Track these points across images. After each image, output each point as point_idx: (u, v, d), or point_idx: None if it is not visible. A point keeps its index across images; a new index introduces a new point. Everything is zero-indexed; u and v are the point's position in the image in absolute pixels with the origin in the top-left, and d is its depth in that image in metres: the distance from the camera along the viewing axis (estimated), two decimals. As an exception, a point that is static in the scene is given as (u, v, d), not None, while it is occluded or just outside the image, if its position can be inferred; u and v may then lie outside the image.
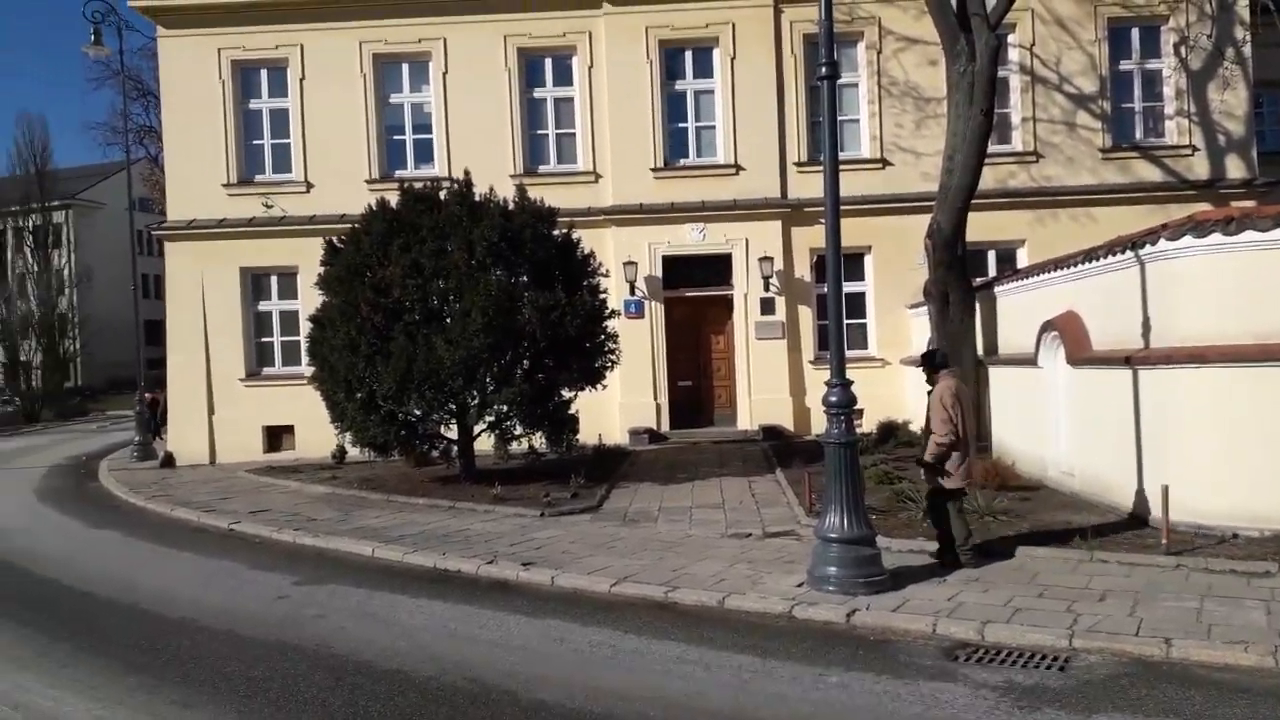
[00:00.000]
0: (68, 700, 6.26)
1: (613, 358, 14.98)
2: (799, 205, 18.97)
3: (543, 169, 19.47)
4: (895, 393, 18.07)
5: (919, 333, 17.31)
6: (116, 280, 59.56)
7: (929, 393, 8.56)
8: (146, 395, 22.98)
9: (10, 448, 31.08)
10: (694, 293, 19.38)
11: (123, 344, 56.73)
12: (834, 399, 7.94)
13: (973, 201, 14.22)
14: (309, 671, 6.67)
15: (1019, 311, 13.06)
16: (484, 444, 15.13)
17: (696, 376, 19.69)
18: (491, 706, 5.84)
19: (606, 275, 15.76)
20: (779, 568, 8.78)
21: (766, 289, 18.92)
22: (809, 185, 18.85)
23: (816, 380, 18.45)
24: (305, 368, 18.18)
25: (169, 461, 19.66)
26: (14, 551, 12.00)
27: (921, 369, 8.81)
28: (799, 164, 19.21)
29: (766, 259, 18.77)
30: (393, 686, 6.29)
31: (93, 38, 20.91)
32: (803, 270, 19.20)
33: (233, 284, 19.43)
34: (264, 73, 19.66)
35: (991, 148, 14.78)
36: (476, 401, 14.08)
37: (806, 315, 19.22)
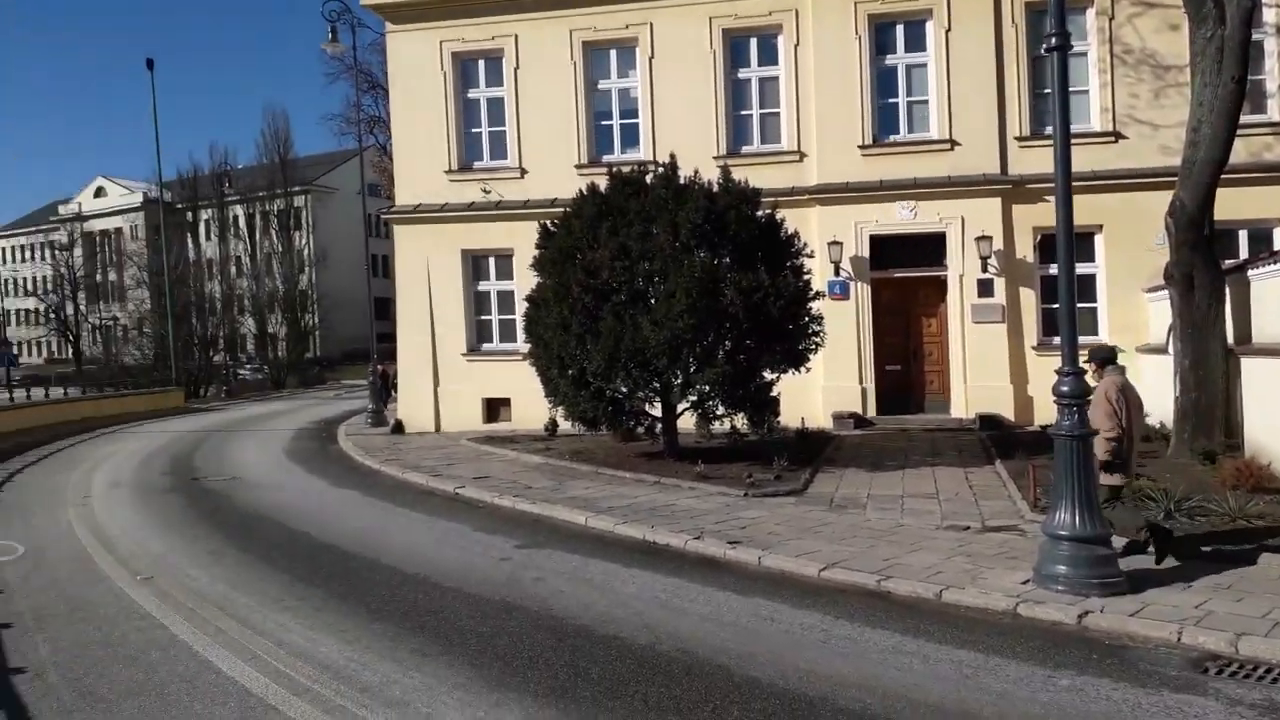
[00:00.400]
0: (323, 641, 6.93)
1: (816, 340, 14.77)
2: (1020, 181, 17.94)
3: (746, 150, 19.41)
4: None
5: (1158, 318, 15.99)
6: (349, 260, 64.81)
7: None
8: (378, 367, 24.82)
9: (262, 411, 34.53)
10: (903, 273, 18.78)
11: (355, 319, 61.59)
12: (1065, 389, 7.51)
13: (1222, 177, 12.96)
14: (532, 631, 7.07)
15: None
16: (686, 422, 15.35)
17: (905, 361, 19.10)
18: (705, 679, 5.97)
19: (811, 256, 15.53)
20: (1000, 563, 8.42)
21: (984, 269, 18.05)
22: (1031, 160, 17.77)
23: (1040, 367, 17.44)
24: (521, 345, 19.10)
25: (399, 428, 21.23)
26: (270, 505, 13.38)
27: (1090, 365, 8.24)
28: (1021, 138, 18.15)
29: (984, 238, 17.90)
30: (610, 651, 6.56)
31: (330, 35, 22.72)
32: (1025, 250, 18.17)
33: (455, 265, 20.65)
34: (481, 63, 20.66)
35: (1244, 118, 13.38)
36: (680, 381, 14.30)
37: (1029, 298, 18.18)
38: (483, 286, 21.01)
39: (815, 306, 14.74)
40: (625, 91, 20.11)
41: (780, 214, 15.04)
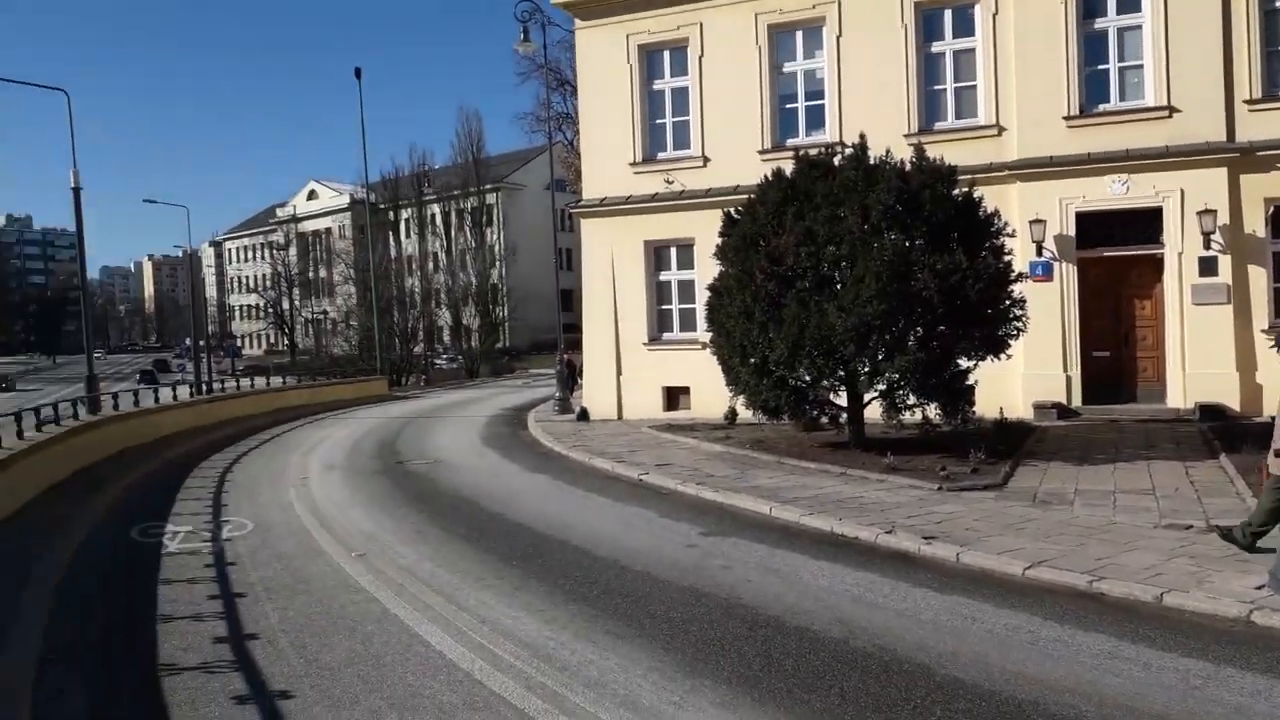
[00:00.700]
0: (523, 620, 7.19)
1: (1018, 325, 13.96)
2: (1249, 149, 16.28)
3: (939, 126, 18.57)
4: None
5: None
6: (536, 254, 67.09)
7: None
8: (564, 356, 25.56)
9: (457, 399, 36.37)
10: (1113, 252, 17.45)
11: (542, 310, 63.80)
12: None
13: None
14: (722, 619, 7.05)
15: None
16: (871, 411, 14.91)
17: (1116, 346, 17.76)
18: (904, 677, 5.76)
19: (1012, 235, 14.69)
20: (1230, 566, 7.68)
21: (1207, 246, 16.50)
22: (1262, 125, 16.11)
23: (1271, 353, 15.82)
24: (700, 333, 19.14)
25: (584, 416, 21.80)
26: (468, 487, 14.04)
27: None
28: (1251, 101, 16.45)
29: (1208, 212, 16.36)
30: (802, 643, 6.45)
31: (522, 36, 23.49)
32: (1254, 224, 16.48)
33: (638, 256, 20.94)
34: (666, 54, 20.79)
35: None
36: (867, 369, 13.88)
37: (1258, 277, 16.50)
38: (664, 276, 21.19)
39: (1016, 289, 13.94)
40: (810, 73, 19.71)
41: (978, 192, 14.30)
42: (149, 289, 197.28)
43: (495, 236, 73.25)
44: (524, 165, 74.96)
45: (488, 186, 73.08)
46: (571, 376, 27.00)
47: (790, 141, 19.15)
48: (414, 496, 13.37)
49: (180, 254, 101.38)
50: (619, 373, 21.36)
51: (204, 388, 32.86)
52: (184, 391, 29.81)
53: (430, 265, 71.74)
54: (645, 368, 21.04)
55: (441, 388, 47.15)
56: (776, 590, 7.81)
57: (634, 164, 20.86)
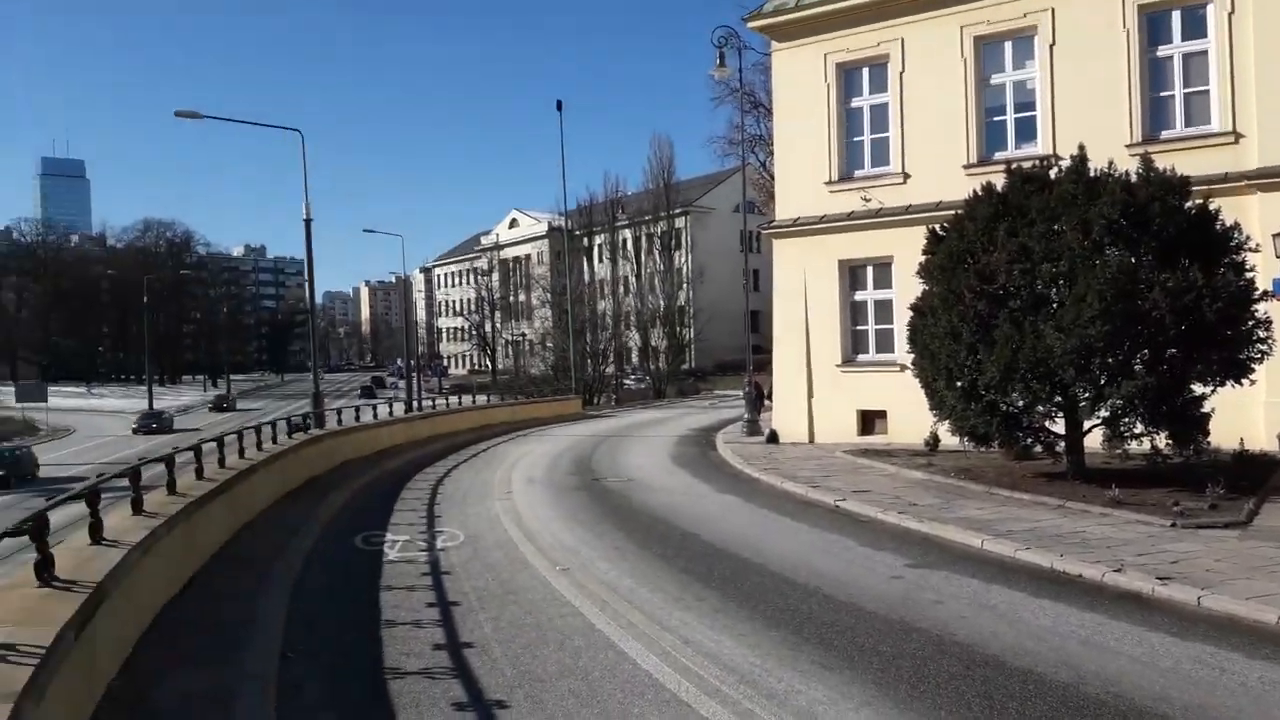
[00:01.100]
0: (725, 644, 7.13)
1: (1262, 348, 12.64)
2: None
3: (1166, 134, 17.18)
4: None
5: None
6: (723, 276, 67.43)
7: None
8: (752, 378, 25.41)
9: (646, 418, 36.91)
10: (1376, 268, 15.51)
11: (728, 331, 63.95)
12: None
13: None
14: (935, 655, 6.72)
15: None
16: (1090, 440, 13.87)
17: (1379, 373, 15.74)
18: (1147, 731, 5.28)
19: (1255, 250, 13.36)
20: None
21: None
22: None
23: None
24: (899, 355, 18.52)
25: (773, 438, 21.57)
26: (661, 506, 14.16)
27: None
28: None
29: None
30: (1026, 685, 6.04)
31: (717, 61, 23.72)
32: None
33: (831, 275, 20.56)
34: (865, 71, 20.40)
35: None
36: (1089, 394, 12.93)
37: None
38: (859, 296, 20.69)
39: (1261, 309, 12.64)
40: (1020, 84, 18.77)
41: (1213, 204, 13.11)
42: (365, 312, 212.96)
43: (683, 259, 74.16)
44: (713, 188, 75.61)
45: (677, 210, 74.20)
46: (759, 398, 26.80)
47: (998, 155, 18.26)
48: (611, 513, 13.63)
49: (394, 280, 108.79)
50: (810, 395, 21.00)
51: (415, 405, 34.98)
52: (398, 408, 31.83)
53: (621, 289, 73.57)
54: (838, 390, 20.58)
55: (630, 407, 48.03)
56: (993, 628, 7.38)
57: (829, 183, 20.54)
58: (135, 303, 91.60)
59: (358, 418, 25.30)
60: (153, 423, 57.43)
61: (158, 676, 6.52)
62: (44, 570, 5.82)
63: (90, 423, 63.52)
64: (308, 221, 25.28)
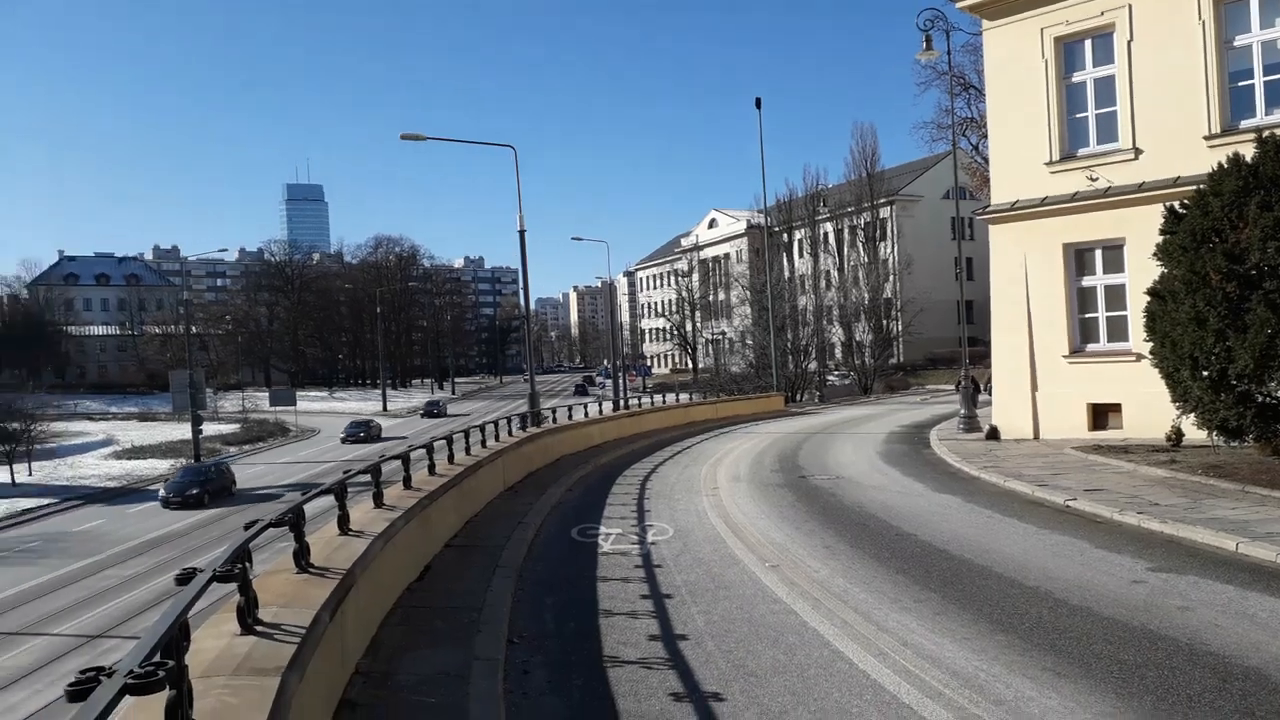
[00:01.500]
0: (947, 647, 6.84)
1: None
2: None
3: None
4: None
5: None
6: (932, 265, 64.88)
7: None
8: (967, 371, 24.24)
9: (852, 415, 36.06)
10: None
11: (937, 323, 61.50)
12: None
13: None
14: (1185, 666, 6.16)
15: None
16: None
17: None
18: None
19: None
20: None
21: None
22: None
23: None
24: (1133, 344, 17.12)
25: (993, 434, 20.47)
26: (873, 505, 13.78)
27: None
28: None
29: None
30: (1298, 707, 5.41)
31: (924, 44, 22.83)
32: None
33: (1055, 261, 19.26)
34: (1087, 43, 18.95)
35: None
36: (1365, 383, 11.46)
37: None
38: (1087, 281, 19.26)
39: None
40: (1270, 44, 16.84)
41: None
42: (574, 316, 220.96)
43: (889, 250, 71.89)
44: (920, 175, 72.85)
45: (881, 200, 72.04)
46: (975, 392, 25.52)
47: (1246, 123, 16.48)
48: (819, 511, 13.41)
49: (599, 284, 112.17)
50: (1034, 388, 19.76)
51: (621, 404, 35.93)
52: (606, 407, 32.79)
53: (822, 283, 72.27)
54: (1065, 383, 19.25)
55: (835, 404, 47.09)
56: (1254, 638, 6.67)
57: (1050, 163, 19.25)
58: (369, 313, 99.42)
59: (570, 416, 26.26)
60: (360, 432, 57.14)
61: (400, 656, 7.03)
62: (301, 558, 6.41)
63: (332, 424, 69.43)
64: (521, 233, 26.50)
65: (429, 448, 12.54)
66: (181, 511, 33.92)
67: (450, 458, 13.61)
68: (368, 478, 9.18)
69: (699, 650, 7.03)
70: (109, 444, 56.33)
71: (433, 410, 74.78)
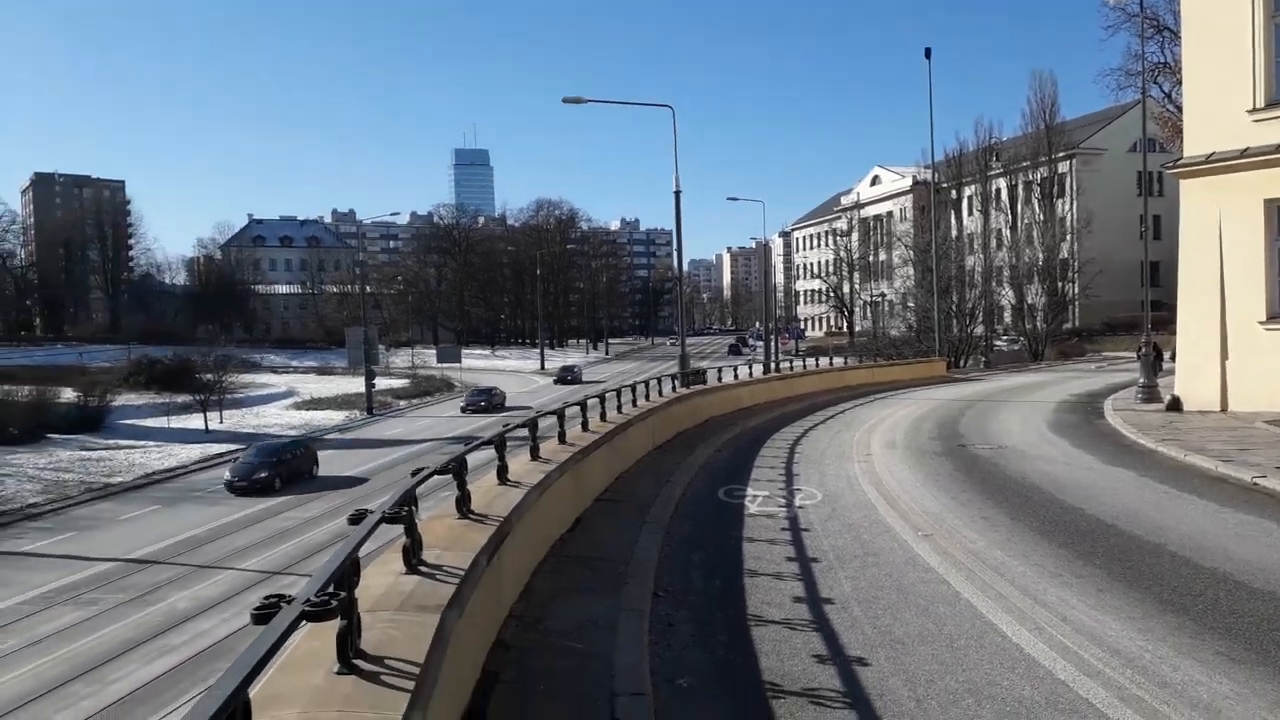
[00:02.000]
0: (1109, 625, 6.52)
1: None
2: None
3: None
4: None
5: None
6: (1114, 224, 60.67)
7: None
8: (1149, 338, 22.68)
9: (1020, 382, 34.45)
10: None
11: (1119, 286, 57.57)
12: None
13: None
14: (1383, 663, 5.65)
15: None
16: None
17: None
18: None
19: None
20: None
21: None
22: None
23: None
24: (1344, 310, 15.62)
25: (1174, 405, 19.13)
26: (1037, 475, 13.19)
27: None
28: None
29: None
30: None
31: (1108, -16, 21.23)
32: None
33: (1254, 219, 17.63)
34: (1299, -27, 17.12)
35: None
36: None
37: None
38: (1289, 242, 17.58)
39: None
40: None
41: None
42: (727, 277, 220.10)
43: (1067, 207, 67.66)
44: (1104, 127, 67.94)
45: (1060, 154, 67.72)
46: (1157, 360, 23.86)
47: None
48: (978, 481, 12.97)
49: (754, 245, 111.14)
50: (1224, 356, 18.28)
51: (773, 367, 35.66)
52: (756, 369, 32.63)
53: (993, 242, 68.91)
54: (1261, 352, 17.70)
55: (1002, 371, 45.08)
56: None
57: (1253, 110, 17.57)
58: (530, 275, 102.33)
59: (720, 378, 26.29)
60: (481, 400, 51.76)
61: (550, 603, 7.33)
62: (463, 504, 6.76)
63: (494, 381, 72.18)
64: (677, 193, 26.54)
65: (582, 405, 12.87)
66: (356, 452, 36.08)
67: (602, 415, 13.94)
68: (525, 432, 9.54)
69: (845, 615, 6.99)
70: (290, 395, 60.51)
71: (566, 377, 67.36)
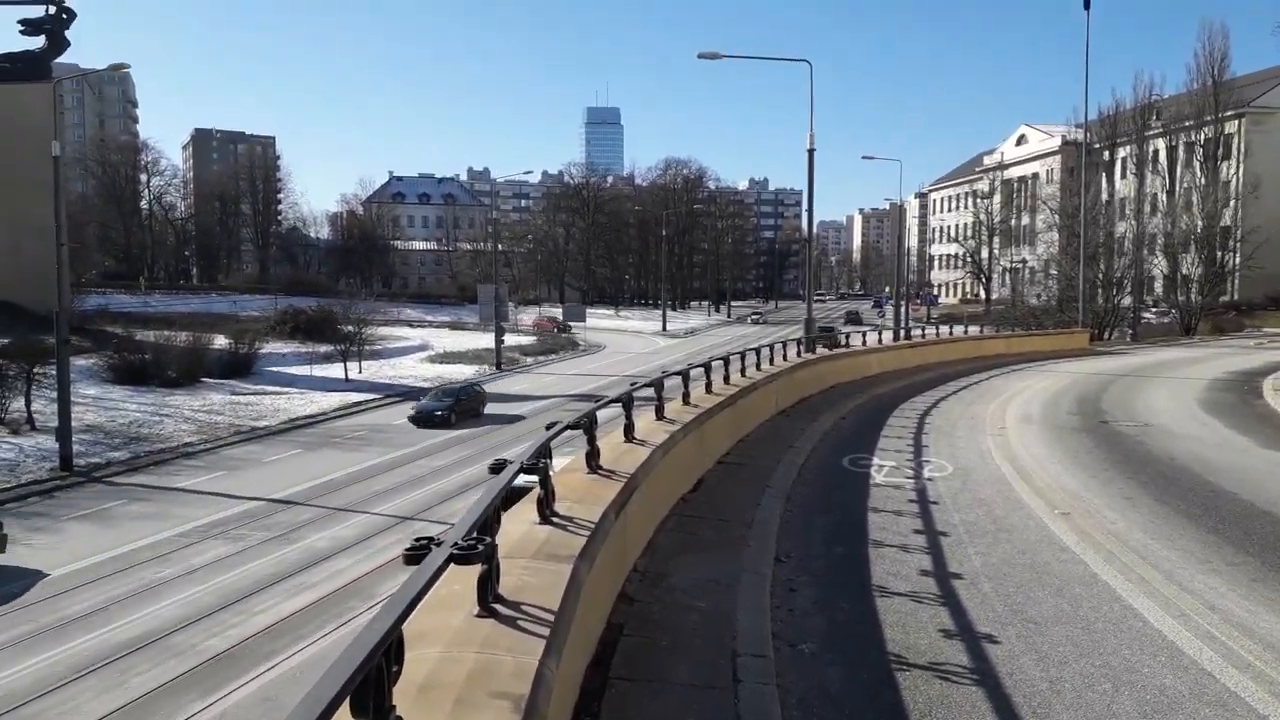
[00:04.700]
0: (1262, 617, 6.17)
1: None
2: None
3: None
4: None
5: None
6: (1284, 190, 56.06)
7: None
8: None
9: (1170, 357, 32.51)
10: None
11: (1285, 258, 53.36)
12: None
13: None
14: None
15: None
16: None
17: None
18: None
19: None
20: None
21: None
22: None
23: None
24: None
25: (1346, 389, 17.73)
26: (1186, 456, 12.49)
27: None
28: None
29: None
30: None
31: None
32: None
33: None
34: None
35: None
36: None
37: None
38: None
39: None
40: None
41: None
42: (857, 240, 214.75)
43: (1231, 171, 62.84)
44: (1278, 85, 62.63)
45: (1228, 113, 62.79)
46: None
47: None
48: (1120, 460, 12.38)
49: (887, 206, 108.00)
50: None
51: (903, 333, 34.74)
52: (886, 336, 31.85)
53: (1146, 207, 64.74)
54: None
55: (1150, 344, 42.63)
56: None
57: None
58: (655, 235, 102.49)
59: (846, 343, 25.80)
60: (440, 410, 34.00)
61: (673, 560, 7.44)
62: (592, 459, 6.91)
63: (616, 341, 72.94)
64: (811, 152, 25.92)
65: (706, 367, 12.88)
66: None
67: (726, 378, 13.91)
68: (651, 391, 9.64)
69: (974, 591, 6.84)
70: (424, 349, 62.72)
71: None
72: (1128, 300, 56.01)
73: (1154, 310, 59.95)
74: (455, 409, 34.01)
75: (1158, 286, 62.73)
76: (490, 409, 36.14)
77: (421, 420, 33.25)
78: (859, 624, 6.23)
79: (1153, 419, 16.24)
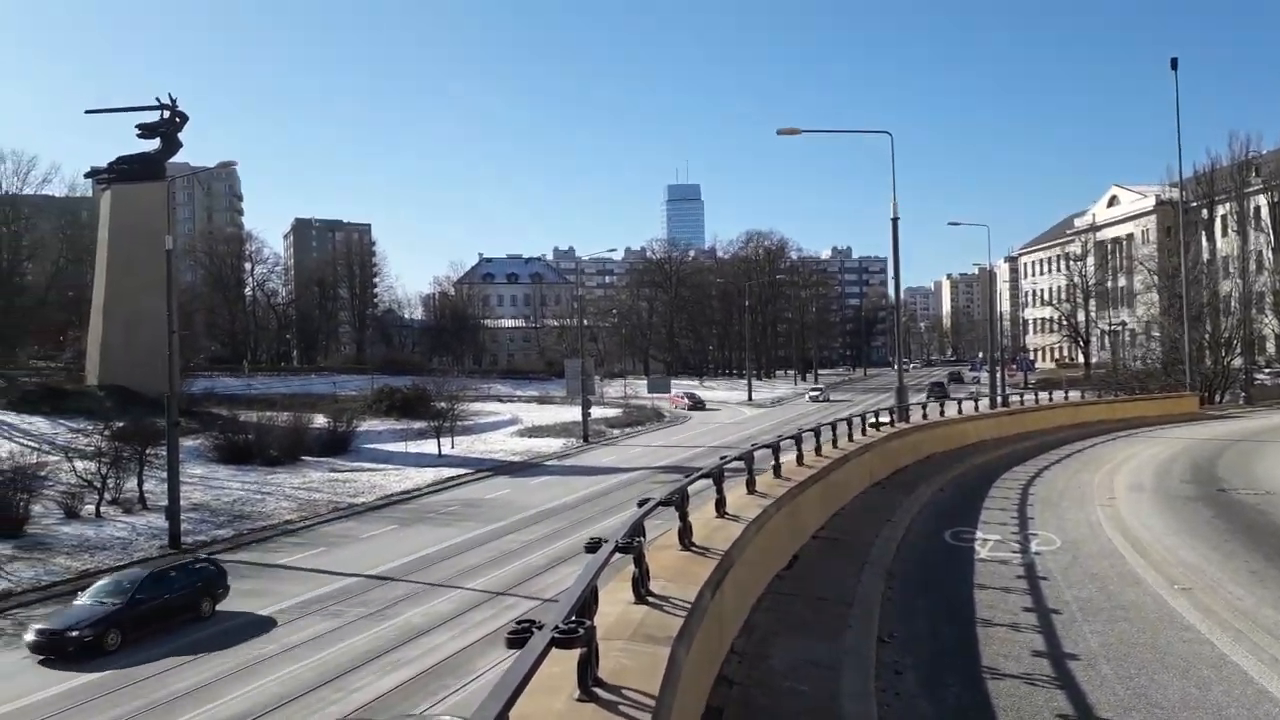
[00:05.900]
0: None
1: None
2: None
3: None
4: None
5: None
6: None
7: None
8: None
9: (1290, 421, 30.76)
10: None
11: None
12: None
13: None
14: None
15: None
16: None
17: None
18: None
19: None
20: None
21: None
22: None
23: None
24: None
25: None
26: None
27: None
28: None
29: None
30: None
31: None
32: None
33: None
34: None
35: None
36: None
37: None
38: None
39: None
40: None
41: None
42: (946, 305, 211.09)
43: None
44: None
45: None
46: None
47: None
48: (1242, 530, 11.70)
49: (976, 271, 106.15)
50: None
51: (1000, 400, 33.76)
52: (981, 404, 31.00)
53: (1251, 265, 62.20)
54: None
55: (1265, 407, 40.47)
56: None
57: None
58: (738, 306, 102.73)
59: (942, 413, 25.19)
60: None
61: (771, 640, 7.25)
62: (685, 536, 6.85)
63: (702, 411, 72.64)
64: (894, 220, 25.84)
65: (797, 438, 12.71)
66: (573, 479, 37.41)
67: (817, 449, 13.68)
68: (740, 463, 9.54)
69: (1092, 673, 6.48)
70: (514, 423, 63.58)
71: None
72: (1239, 361, 53.50)
73: (1267, 371, 57.07)
74: (123, 619, 17.43)
75: (1269, 346, 59.86)
76: (578, 481, 36.03)
77: (47, 647, 16.51)
78: (970, 708, 5.96)
79: (1275, 486, 15.34)
